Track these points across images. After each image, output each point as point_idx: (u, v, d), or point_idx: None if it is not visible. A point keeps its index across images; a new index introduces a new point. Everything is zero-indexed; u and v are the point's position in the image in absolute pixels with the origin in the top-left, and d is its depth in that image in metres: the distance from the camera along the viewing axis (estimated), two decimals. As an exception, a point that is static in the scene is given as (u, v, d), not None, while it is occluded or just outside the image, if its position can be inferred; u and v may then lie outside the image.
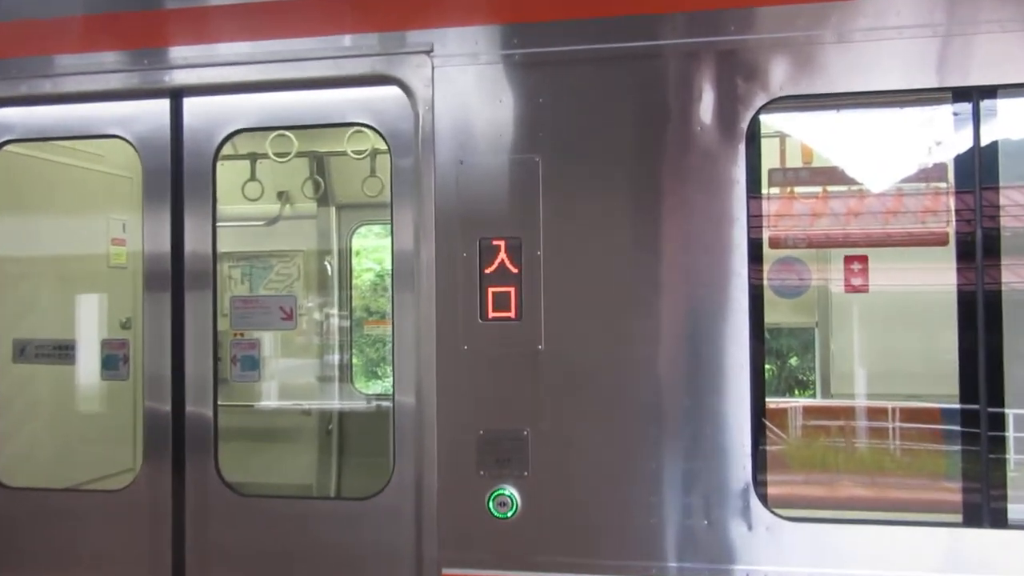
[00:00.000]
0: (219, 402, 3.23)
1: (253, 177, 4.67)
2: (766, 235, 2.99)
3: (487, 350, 3.03)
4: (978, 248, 2.64)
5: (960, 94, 2.67)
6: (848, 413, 4.37)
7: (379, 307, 6.29)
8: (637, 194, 2.95)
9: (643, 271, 2.94)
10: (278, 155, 4.30)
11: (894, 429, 4.21)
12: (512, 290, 3.05)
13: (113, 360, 3.49)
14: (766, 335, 2.91)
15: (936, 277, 2.74)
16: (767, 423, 2.90)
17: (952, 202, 2.74)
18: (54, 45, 3.14)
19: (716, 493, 2.78)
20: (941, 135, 2.82)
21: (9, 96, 3.19)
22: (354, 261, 5.64)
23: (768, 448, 2.88)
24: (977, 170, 2.65)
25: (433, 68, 3.02)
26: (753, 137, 2.82)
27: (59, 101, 3.19)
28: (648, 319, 2.91)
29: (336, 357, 5.33)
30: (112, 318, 4.13)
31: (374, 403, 5.14)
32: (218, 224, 3.26)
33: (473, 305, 3.07)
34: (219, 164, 3.27)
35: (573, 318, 2.98)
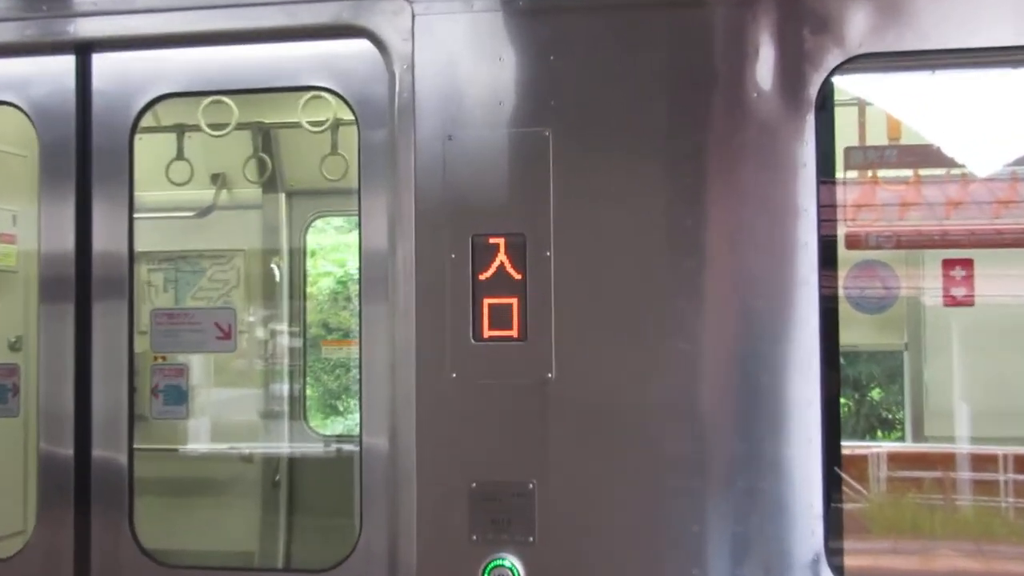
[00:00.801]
0: (135, 445, 3.26)
1: (181, 156, 4.73)
2: (841, 232, 3.05)
3: (482, 379, 3.10)
4: None
5: None
6: (947, 461, 4.32)
7: (341, 323, 6.31)
8: (675, 180, 3.01)
9: (683, 279, 2.99)
10: (213, 127, 4.30)
11: (1007, 482, 4.19)
12: (514, 302, 3.12)
13: (-1, 392, 3.47)
14: (841, 360, 2.98)
15: (1064, 287, 2.85)
16: (842, 475, 2.96)
17: None
18: None
19: (777, 565, 2.84)
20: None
21: None
22: (309, 264, 5.73)
23: (844, 507, 2.95)
24: None
25: (414, 17, 3.08)
26: (824, 106, 2.88)
27: None
28: (689, 341, 2.97)
29: (286, 387, 5.35)
30: (-3, 337, 4.11)
31: (334, 447, 5.25)
32: (135, 215, 3.29)
33: (464, 321, 3.13)
34: (137, 138, 3.30)
35: (593, 339, 3.04)
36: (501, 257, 3.17)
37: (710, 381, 2.97)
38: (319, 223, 5.88)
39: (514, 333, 3.13)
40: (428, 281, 3.16)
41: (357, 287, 3.32)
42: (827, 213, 2.90)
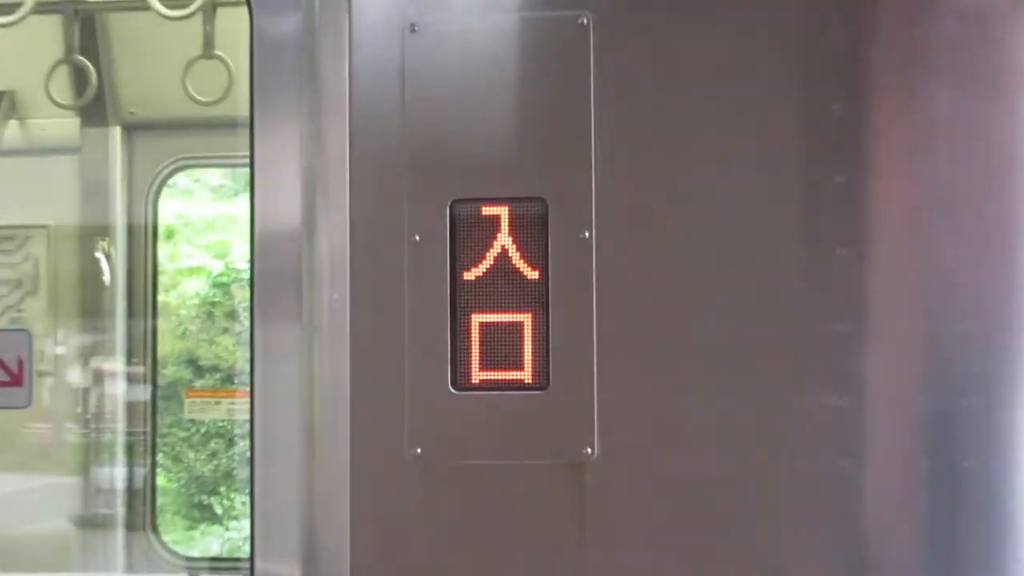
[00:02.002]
0: None
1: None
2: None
3: (468, 458, 3.16)
4: None
5: None
6: None
7: (219, 359, 6.29)
8: (812, 101, 3.12)
9: (836, 280, 3.07)
10: (-8, 11, 4.38)
11: None
12: (526, 320, 3.16)
13: None
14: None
15: None
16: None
17: None
18: None
19: None
20: None
21: None
22: (164, 252, 5.75)
23: None
24: None
25: None
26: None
27: None
28: (852, 391, 3.07)
29: (120, 474, 5.28)
30: None
31: (206, 581, 5.50)
32: None
33: (437, 355, 3.16)
34: None
35: (672, 386, 3.13)
36: (503, 241, 3.17)
37: (883, 459, 3.11)
38: (182, 180, 5.90)
39: (526, 375, 3.15)
40: (373, 283, 3.21)
41: (247, 294, 3.33)
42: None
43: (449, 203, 3.21)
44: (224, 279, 6.67)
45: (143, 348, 5.51)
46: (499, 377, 3.19)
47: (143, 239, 5.63)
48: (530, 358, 3.17)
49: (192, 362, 6.22)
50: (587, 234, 3.17)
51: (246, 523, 3.41)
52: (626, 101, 3.20)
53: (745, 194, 3.17)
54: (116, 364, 5.40)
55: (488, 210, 3.21)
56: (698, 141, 3.19)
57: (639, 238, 3.22)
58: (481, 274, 3.21)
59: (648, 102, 3.21)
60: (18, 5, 4.34)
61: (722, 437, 3.14)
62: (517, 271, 3.20)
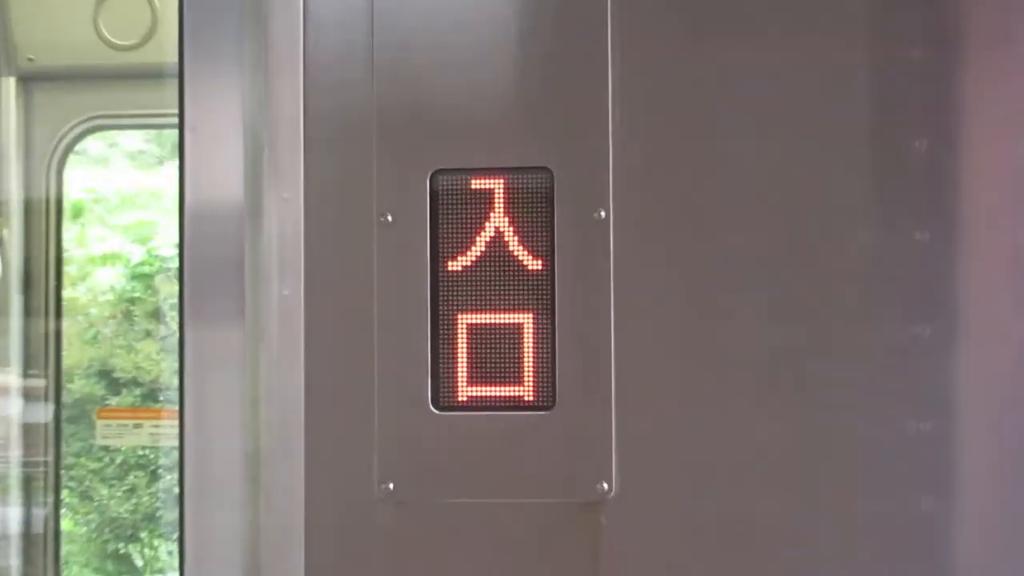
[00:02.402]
0: None
1: None
2: None
3: (455, 496, 3.17)
4: None
5: None
6: None
7: (137, 370, 6.35)
8: (884, 49, 3.17)
9: (916, 264, 3.09)
10: None
11: None
12: (526, 321, 3.14)
13: None
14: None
15: None
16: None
17: None
18: None
19: None
20: None
21: None
22: (69, 233, 5.72)
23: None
24: None
25: None
26: None
27: None
28: (931, 401, 3.08)
29: (14, 516, 5.33)
30: None
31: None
32: None
33: (414, 367, 3.18)
34: None
35: (706, 403, 3.12)
36: (497, 222, 3.14)
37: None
38: (93, 145, 5.98)
39: (526, 392, 3.14)
40: (334, 276, 3.23)
41: (175, 289, 3.41)
42: None
43: (429, 175, 3.19)
44: (146, 269, 6.59)
45: (43, 356, 5.50)
46: (492, 394, 3.17)
47: (44, 219, 5.63)
48: (531, 370, 3.14)
49: (106, 374, 6.17)
50: (603, 214, 3.14)
51: (174, 578, 3.18)
52: (652, 48, 3.20)
53: (799, 166, 3.18)
54: (8, 377, 5.40)
55: (479, 183, 3.18)
56: (741, 101, 3.19)
57: (669, 220, 3.21)
58: (470, 264, 3.17)
59: (680, 50, 3.21)
60: None
61: (772, 470, 3.14)
62: (515, 260, 3.16)
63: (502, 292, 3.18)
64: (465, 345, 3.16)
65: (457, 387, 3.17)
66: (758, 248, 3.17)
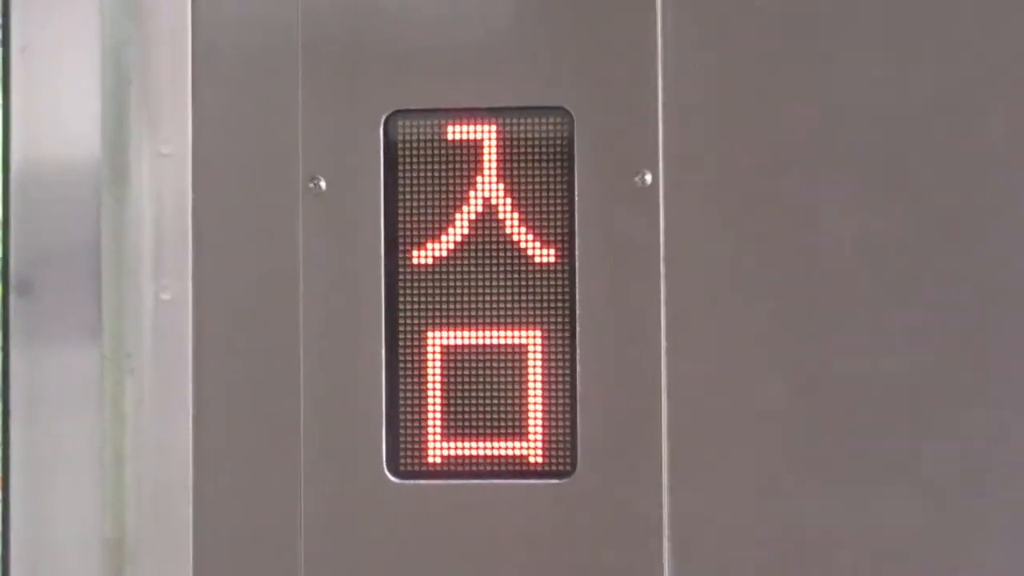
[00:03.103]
0: None
1: None
2: None
3: None
4: None
5: None
6: None
7: None
8: None
9: None
10: None
11: None
12: (532, 341, 2.66)
13: None
14: None
15: None
16: None
17: None
18: None
19: None
20: None
21: None
22: None
23: None
24: None
25: None
26: None
27: None
28: None
29: None
30: None
31: None
32: None
33: (361, 411, 2.71)
34: None
35: (798, 460, 2.72)
36: (487, 189, 2.67)
37: None
38: None
39: (531, 449, 2.64)
40: (239, 271, 2.77)
41: None
42: None
43: (383, 119, 2.68)
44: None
45: None
46: (480, 452, 2.65)
47: None
48: (540, 417, 2.60)
49: None
50: (649, 178, 2.60)
51: None
52: None
53: (918, 119, 2.68)
54: None
55: (459, 131, 2.68)
56: (829, 28, 2.71)
57: (747, 189, 2.65)
58: (445, 254, 2.66)
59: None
60: None
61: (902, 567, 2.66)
62: (515, 248, 2.65)
63: (495, 297, 2.61)
64: (438, 378, 2.62)
65: (427, 443, 2.63)
66: (885, 235, 2.63)
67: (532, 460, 2.60)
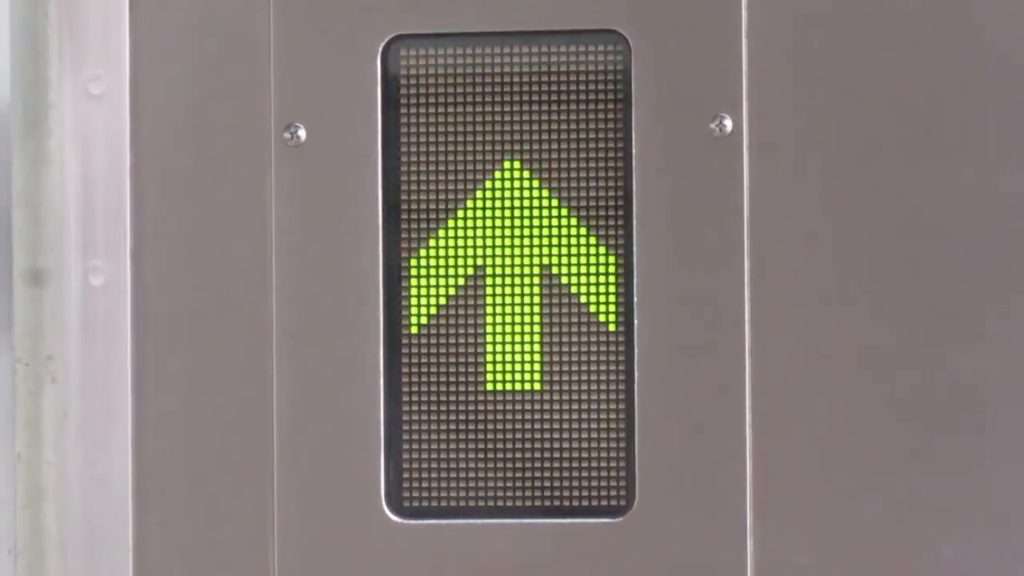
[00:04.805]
0: None
1: None
2: None
3: None
4: None
5: None
6: None
7: None
8: None
9: None
10: None
11: None
12: (577, 339, 2.38)
13: None
14: None
15: None
16: None
17: None
18: None
19: None
20: None
21: None
22: None
23: None
24: None
25: None
26: None
27: None
28: None
29: None
30: None
31: None
32: None
33: (354, 430, 2.40)
34: None
35: (910, 494, 2.37)
36: (516, 140, 2.37)
37: None
38: None
39: (575, 482, 2.36)
40: (192, 248, 2.47)
41: None
42: None
43: (381, 46, 2.37)
44: None
45: None
46: (507, 483, 2.41)
47: None
48: (586, 439, 2.37)
49: None
50: (729, 125, 2.29)
51: None
52: None
53: None
54: None
55: (479, 63, 2.39)
56: None
57: (853, 143, 2.32)
58: (462, 227, 2.42)
59: None
60: None
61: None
62: (555, 221, 2.42)
63: (526, 289, 2.35)
64: (452, 391, 2.37)
65: (437, 473, 2.38)
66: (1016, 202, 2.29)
67: (576, 493, 2.30)
